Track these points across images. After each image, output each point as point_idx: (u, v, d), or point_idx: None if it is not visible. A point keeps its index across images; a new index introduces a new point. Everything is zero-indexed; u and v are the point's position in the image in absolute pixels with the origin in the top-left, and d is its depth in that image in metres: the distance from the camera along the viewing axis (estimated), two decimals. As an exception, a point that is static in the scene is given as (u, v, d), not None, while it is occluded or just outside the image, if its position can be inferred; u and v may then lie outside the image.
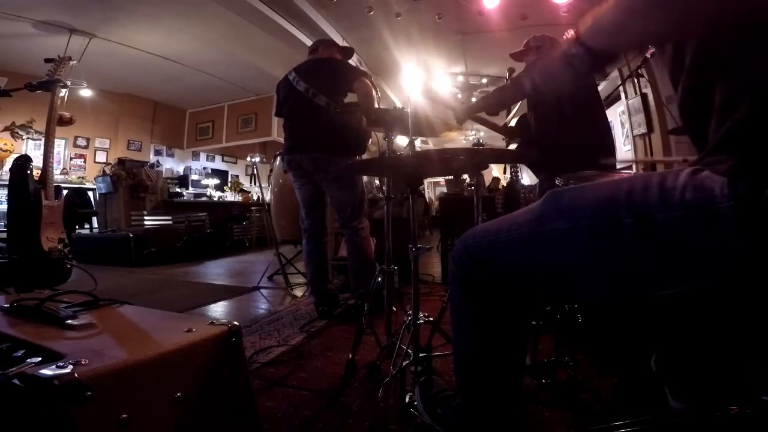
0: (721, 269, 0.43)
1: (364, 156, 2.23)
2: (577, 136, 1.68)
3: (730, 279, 0.43)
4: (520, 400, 0.82)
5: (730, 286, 0.44)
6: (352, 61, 2.31)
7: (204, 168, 8.32)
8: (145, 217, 5.05)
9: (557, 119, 1.74)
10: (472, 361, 0.74)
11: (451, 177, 3.90)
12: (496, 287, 0.66)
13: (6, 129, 5.41)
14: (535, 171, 2.02)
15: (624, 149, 5.16)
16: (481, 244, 0.67)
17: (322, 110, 2.01)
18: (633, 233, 0.47)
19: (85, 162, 6.53)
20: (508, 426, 0.72)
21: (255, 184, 3.48)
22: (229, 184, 8.03)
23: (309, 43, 4.51)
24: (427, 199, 9.96)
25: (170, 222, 5.18)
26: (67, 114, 2.55)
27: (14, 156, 3.03)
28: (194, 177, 7.62)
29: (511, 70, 2.18)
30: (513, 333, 0.71)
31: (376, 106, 2.00)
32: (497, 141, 2.48)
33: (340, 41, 4.56)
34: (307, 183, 2.13)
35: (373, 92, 1.98)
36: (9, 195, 2.29)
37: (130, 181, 5.28)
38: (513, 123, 2.03)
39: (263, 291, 2.83)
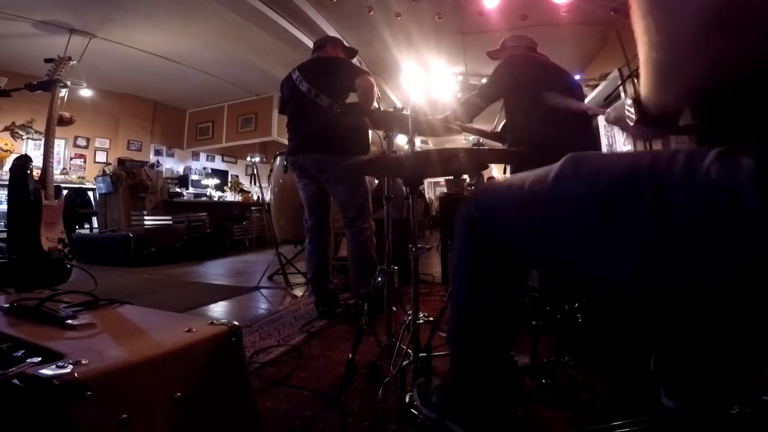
0: (733, 255, 0.41)
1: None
2: (552, 138, 1.66)
3: (741, 267, 0.41)
4: (516, 396, 0.82)
5: (739, 276, 0.42)
6: (353, 61, 2.30)
7: (204, 168, 8.33)
8: (145, 217, 5.05)
9: (525, 122, 1.76)
10: (467, 323, 0.73)
11: (451, 177, 3.90)
12: (500, 242, 0.65)
13: (6, 129, 5.41)
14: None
15: (624, 149, 5.17)
16: (491, 195, 0.66)
17: (324, 111, 2.01)
18: (649, 205, 0.45)
19: (85, 162, 6.53)
20: (500, 402, 0.72)
21: (255, 184, 3.48)
22: (229, 184, 8.03)
23: (309, 43, 4.54)
24: (427, 199, 9.96)
25: (170, 222, 5.18)
26: (67, 114, 2.55)
27: (14, 156, 3.03)
28: (194, 177, 7.62)
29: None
30: (509, 294, 0.70)
31: (376, 104, 2.00)
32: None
33: (340, 41, 4.56)
34: (311, 183, 2.13)
35: (375, 89, 1.97)
36: (9, 195, 2.28)
37: (130, 181, 5.28)
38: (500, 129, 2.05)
39: (263, 291, 2.83)
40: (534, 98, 1.77)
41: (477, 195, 0.68)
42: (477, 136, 2.04)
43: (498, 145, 2.00)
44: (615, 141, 4.73)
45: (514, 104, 1.85)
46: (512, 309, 0.72)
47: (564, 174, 0.55)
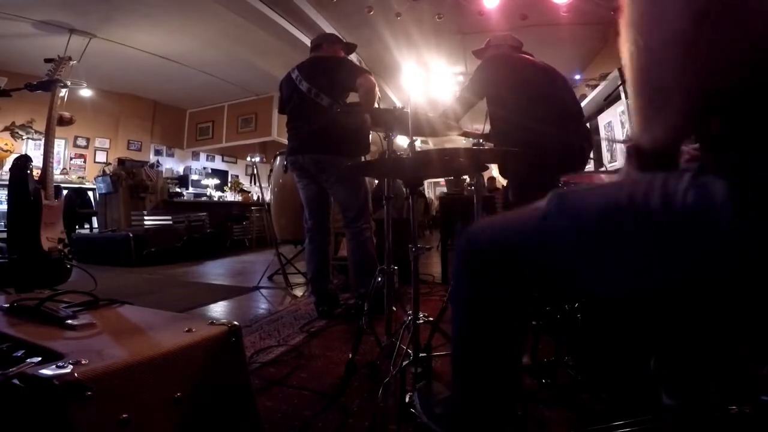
0: (719, 270, 0.44)
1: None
2: (538, 135, 1.65)
3: (723, 272, 0.44)
4: (516, 396, 0.82)
5: (728, 287, 0.44)
6: (353, 60, 2.30)
7: (204, 168, 8.33)
8: (145, 217, 5.05)
9: (507, 120, 1.77)
10: (469, 346, 0.73)
11: (451, 177, 3.90)
12: (495, 266, 0.67)
13: (6, 129, 5.41)
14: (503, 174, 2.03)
15: (624, 148, 5.17)
16: (484, 232, 0.69)
17: (324, 111, 2.01)
18: (633, 235, 0.48)
19: (85, 162, 6.53)
20: (505, 420, 0.72)
21: (255, 184, 3.48)
22: (229, 184, 8.03)
23: (309, 43, 4.54)
24: (427, 199, 9.95)
25: (170, 222, 5.18)
26: (67, 114, 2.55)
27: (14, 156, 3.03)
28: (194, 177, 7.63)
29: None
30: (510, 315, 0.71)
31: (377, 104, 2.00)
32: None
33: (340, 41, 4.57)
34: (311, 183, 2.13)
35: (376, 89, 1.97)
36: (9, 195, 2.29)
37: (130, 181, 5.28)
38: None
39: (263, 291, 2.83)
40: (515, 97, 1.77)
41: (468, 235, 0.71)
42: (477, 138, 2.05)
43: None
44: (615, 139, 4.73)
45: (494, 103, 1.85)
46: (513, 330, 0.72)
47: (551, 211, 0.59)
